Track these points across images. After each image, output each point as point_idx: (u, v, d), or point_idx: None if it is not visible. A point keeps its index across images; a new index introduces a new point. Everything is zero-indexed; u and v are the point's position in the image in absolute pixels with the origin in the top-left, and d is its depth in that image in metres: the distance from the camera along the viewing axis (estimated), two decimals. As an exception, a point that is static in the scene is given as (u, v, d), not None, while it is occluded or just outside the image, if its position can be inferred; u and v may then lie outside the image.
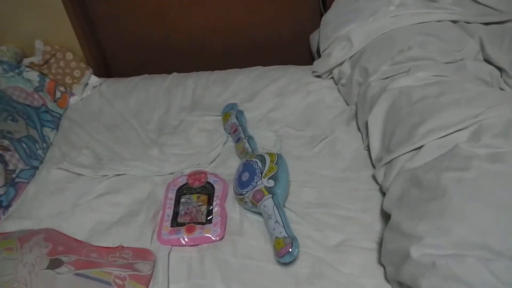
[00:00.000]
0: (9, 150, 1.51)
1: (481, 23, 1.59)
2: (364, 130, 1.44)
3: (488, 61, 1.49)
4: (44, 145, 1.66)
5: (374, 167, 1.36)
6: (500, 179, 1.01)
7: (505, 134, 1.10)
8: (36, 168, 1.58)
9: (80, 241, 1.28)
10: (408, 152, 1.20)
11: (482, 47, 1.50)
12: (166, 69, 1.95)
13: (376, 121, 1.36)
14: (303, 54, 2.04)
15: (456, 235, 0.94)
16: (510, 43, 1.50)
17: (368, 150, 1.40)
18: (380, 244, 1.16)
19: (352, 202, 1.28)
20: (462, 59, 1.47)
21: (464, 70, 1.43)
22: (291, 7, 1.97)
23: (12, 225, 1.37)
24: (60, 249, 1.21)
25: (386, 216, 1.20)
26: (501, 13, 1.60)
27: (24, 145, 1.57)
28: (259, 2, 1.98)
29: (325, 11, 1.84)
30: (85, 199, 1.43)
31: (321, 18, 1.83)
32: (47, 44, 1.88)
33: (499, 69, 1.46)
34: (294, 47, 2.04)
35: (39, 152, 1.62)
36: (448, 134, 1.16)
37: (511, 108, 1.16)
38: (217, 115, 1.65)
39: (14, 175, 1.49)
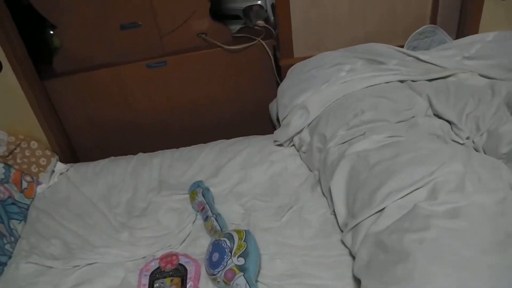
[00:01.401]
0: (-25, 248, 1.48)
1: (426, 80, 1.68)
2: (328, 196, 1.47)
3: (437, 115, 1.57)
4: (12, 238, 1.63)
5: (342, 231, 1.39)
6: (460, 236, 1.04)
7: (460, 189, 1.15)
8: (5, 264, 1.54)
9: None
10: (371, 215, 1.23)
11: (430, 103, 1.59)
12: (132, 150, 1.98)
13: (338, 187, 1.40)
14: (264, 123, 2.10)
15: (426, 299, 0.96)
16: (455, 96, 1.59)
17: (335, 215, 1.42)
18: (355, 310, 1.18)
19: (323, 269, 1.29)
20: (413, 117, 1.54)
21: (417, 127, 1.50)
22: (249, 80, 2.07)
23: (-18, 330, 1.33)
24: None
25: (357, 281, 1.21)
26: (444, 68, 1.70)
27: (-9, 242, 1.54)
28: (217, 81, 2.08)
29: (281, 81, 1.92)
30: (57, 293, 1.40)
31: (278, 88, 1.91)
32: (11, 135, 1.88)
33: (449, 122, 1.54)
34: (255, 117, 2.12)
35: (7, 246, 1.59)
36: (406, 195, 1.19)
37: (462, 163, 1.22)
38: (184, 193, 1.66)
39: (-19, 275, 1.45)
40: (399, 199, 1.20)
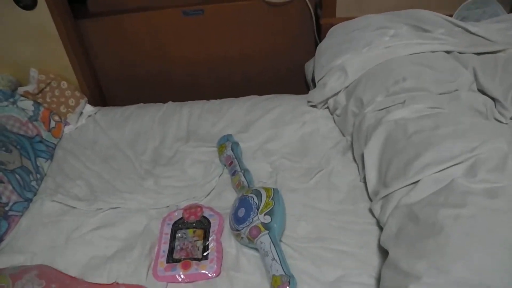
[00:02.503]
0: (2, 182, 1.49)
1: (474, 53, 1.60)
2: (360, 162, 1.44)
3: (482, 91, 1.50)
4: (38, 176, 1.65)
5: (370, 199, 1.36)
6: (497, 216, 1.00)
7: (501, 169, 1.10)
8: (30, 200, 1.56)
9: (74, 277, 1.26)
10: (404, 186, 1.20)
11: (476, 78, 1.51)
12: (161, 98, 1.96)
13: (372, 154, 1.35)
14: (298, 83, 2.05)
15: (454, 275, 0.93)
16: (503, 73, 1.51)
17: (365, 182, 1.39)
18: (378, 279, 1.15)
19: (348, 236, 1.27)
20: (456, 90, 1.47)
21: (459, 101, 1.43)
22: (287, 37, 2.00)
23: (4, 260, 1.35)
24: (53, 286, 1.19)
25: (383, 251, 1.19)
26: (494, 43, 1.61)
27: (17, 177, 1.55)
28: (254, 35, 2.01)
29: (320, 41, 1.85)
30: (79, 233, 1.41)
31: (316, 48, 1.84)
32: (41, 73, 1.88)
33: (493, 99, 1.47)
34: (289, 76, 2.06)
35: (33, 183, 1.61)
36: (444, 169, 1.15)
37: (506, 141, 1.17)
38: (212, 146, 1.64)
39: (7, 208, 1.47)
40: (436, 172, 1.16)
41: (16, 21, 1.79)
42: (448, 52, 1.60)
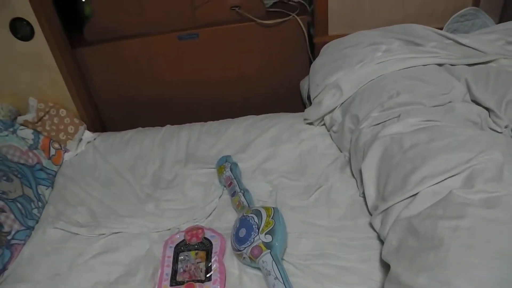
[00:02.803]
0: (4, 211, 1.50)
1: (466, 65, 1.62)
2: (358, 177, 1.45)
3: (475, 102, 1.52)
4: (40, 204, 1.66)
5: (370, 214, 1.36)
6: (495, 226, 1.01)
7: (497, 179, 1.10)
8: (32, 228, 1.57)
9: (78, 305, 1.26)
10: (403, 200, 1.20)
11: (469, 89, 1.53)
12: (159, 122, 1.98)
13: (369, 169, 1.37)
14: (295, 101, 2.07)
15: (457, 287, 0.94)
16: (495, 83, 1.52)
17: (364, 197, 1.40)
18: (380, 294, 1.16)
19: (350, 251, 1.27)
20: (450, 102, 1.49)
21: (453, 112, 1.45)
22: (281, 57, 2.03)
23: (8, 290, 1.35)
24: (57, 315, 1.19)
25: (384, 265, 1.20)
26: (485, 53, 1.63)
27: (19, 205, 1.56)
28: (249, 56, 2.04)
29: (314, 59, 1.87)
30: (82, 259, 1.41)
31: (310, 65, 1.87)
32: (40, 102, 1.90)
33: (487, 109, 1.49)
34: (285, 94, 2.09)
35: (35, 211, 1.62)
36: (441, 181, 1.16)
37: (501, 151, 1.18)
38: (211, 167, 1.66)
39: (9, 237, 1.47)
40: (433, 185, 1.17)
41: (14, 51, 1.82)
42: (440, 64, 1.62)
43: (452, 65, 1.62)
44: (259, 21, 1.95)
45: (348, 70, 1.67)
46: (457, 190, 1.11)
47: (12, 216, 1.51)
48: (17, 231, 1.51)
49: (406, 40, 1.72)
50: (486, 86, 1.53)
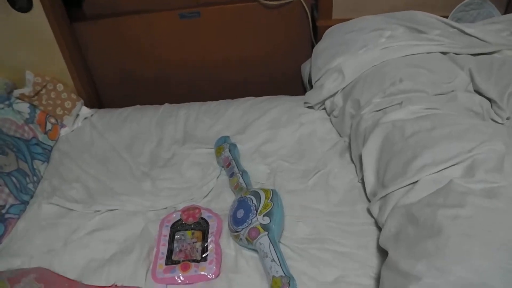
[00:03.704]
0: (-1, 185, 1.49)
1: (470, 54, 1.61)
2: (358, 163, 1.44)
3: (478, 92, 1.51)
4: (35, 178, 1.64)
5: (368, 200, 1.36)
6: (496, 216, 1.01)
7: (499, 169, 1.10)
8: (27, 203, 1.56)
9: (73, 280, 1.26)
10: (402, 187, 1.20)
11: (472, 78, 1.52)
12: (158, 101, 1.96)
13: (370, 155, 1.36)
14: (295, 84, 2.05)
15: (455, 276, 0.93)
16: (498, 74, 1.52)
17: (362, 183, 1.40)
18: (376, 280, 1.16)
19: (347, 237, 1.28)
20: (452, 91, 1.48)
21: (455, 101, 1.44)
22: (283, 39, 2.00)
23: (1, 264, 1.34)
24: (52, 290, 1.19)
25: (381, 252, 1.20)
26: (489, 44, 1.62)
27: (14, 179, 1.55)
28: (250, 37, 2.01)
29: (317, 42, 1.85)
30: (77, 235, 1.40)
31: (312, 49, 1.85)
32: (37, 75, 1.87)
33: (489, 100, 1.48)
34: (286, 77, 2.06)
35: (30, 186, 1.60)
36: (442, 169, 1.16)
37: (503, 142, 1.17)
38: (209, 148, 1.64)
39: (3, 211, 1.46)
40: (434, 173, 1.16)
41: (11, 23, 1.79)
42: (444, 53, 1.61)
43: (456, 54, 1.60)
44: (263, 1, 1.91)
45: (351, 54, 1.65)
46: (457, 179, 1.11)
47: (6, 190, 1.50)
48: (12, 205, 1.50)
49: (410, 27, 1.70)
50: (489, 76, 1.52)
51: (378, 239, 1.22)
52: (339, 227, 1.31)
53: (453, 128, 1.25)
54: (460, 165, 1.15)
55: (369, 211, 1.33)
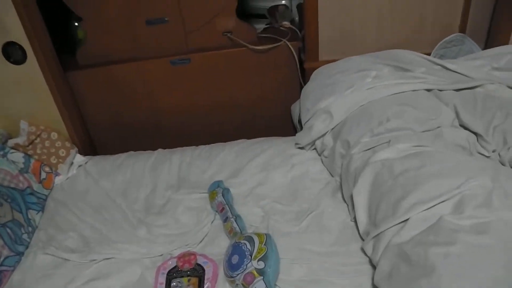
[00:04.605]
0: (-7, 237, 1.49)
1: (454, 90, 1.65)
2: (349, 203, 1.46)
3: (463, 126, 1.55)
4: (30, 229, 1.64)
5: (362, 238, 1.37)
6: (486, 253, 1.02)
7: (487, 204, 1.12)
8: (22, 254, 1.55)
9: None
10: (393, 225, 1.22)
11: (457, 114, 1.56)
12: (151, 146, 1.98)
13: (360, 195, 1.38)
14: (287, 125, 2.09)
15: (449, 314, 0.95)
16: (482, 108, 1.56)
17: (355, 221, 1.41)
18: (374, 321, 1.16)
19: (342, 277, 1.28)
20: (438, 127, 1.52)
21: (442, 137, 1.47)
22: (273, 82, 2.06)
23: (-3, 319, 1.33)
24: None
25: (377, 291, 1.21)
26: (472, 79, 1.67)
27: (9, 231, 1.54)
28: (241, 82, 2.07)
29: (305, 84, 1.90)
30: (73, 286, 1.39)
31: (301, 90, 1.89)
32: (32, 125, 1.89)
33: (475, 133, 1.52)
34: (277, 119, 2.10)
35: (25, 236, 1.60)
36: (432, 207, 1.17)
37: (490, 177, 1.20)
38: (203, 192, 1.65)
39: (-2, 263, 1.46)
40: (424, 210, 1.18)
41: (6, 75, 1.82)
42: (428, 90, 1.65)
43: (440, 90, 1.65)
44: (251, 46, 1.97)
45: (338, 95, 1.69)
46: (447, 216, 1.12)
47: (1, 241, 1.50)
48: (6, 257, 1.49)
49: (396, 66, 1.75)
50: (473, 111, 1.56)
51: (373, 278, 1.22)
52: (334, 268, 1.31)
53: (441, 165, 1.28)
54: (449, 202, 1.17)
55: (363, 250, 1.33)
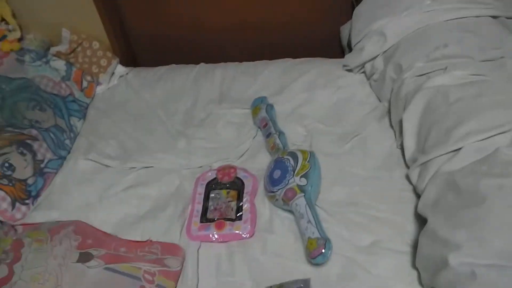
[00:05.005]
0: (38, 140, 1.51)
1: (524, 18, 1.53)
2: (397, 128, 1.41)
3: (529, 59, 1.44)
4: (72, 135, 1.66)
5: (407, 166, 1.33)
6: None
7: (549, 140, 1.06)
8: (64, 158, 1.58)
9: (109, 234, 1.28)
10: (444, 154, 1.16)
11: (524, 45, 1.45)
12: (193, 60, 1.93)
13: (410, 120, 1.32)
14: (334, 48, 2.00)
15: (497, 246, 0.90)
16: (552, 41, 1.44)
17: (402, 148, 1.36)
18: (412, 247, 1.14)
19: (383, 202, 1.25)
20: (502, 57, 1.41)
21: (504, 68, 1.37)
22: (323, 1, 1.93)
23: (40, 216, 1.38)
24: (89, 242, 1.21)
25: (418, 219, 1.18)
26: (545, 8, 1.54)
27: (52, 135, 1.57)
28: (290, 0, 1.94)
29: (357, 4, 1.79)
30: (112, 191, 1.43)
31: (352, 11, 1.79)
32: (73, 33, 1.87)
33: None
34: (324, 40, 2.00)
35: (67, 142, 1.62)
36: (487, 137, 1.11)
37: (555, 111, 1.12)
38: (246, 108, 1.63)
39: (42, 165, 1.49)
40: (479, 140, 1.12)
41: (47, -18, 1.78)
42: (494, 17, 1.53)
43: (508, 18, 1.52)
44: (303, -40, 1.85)
45: (393, 17, 1.58)
46: (504, 148, 1.06)
47: (45, 145, 1.53)
48: (50, 160, 1.52)
49: (459, -13, 1.62)
50: (542, 43, 1.44)
51: (415, 206, 1.19)
52: (375, 192, 1.28)
53: (501, 96, 1.20)
54: (507, 134, 1.10)
55: (407, 178, 1.30)
